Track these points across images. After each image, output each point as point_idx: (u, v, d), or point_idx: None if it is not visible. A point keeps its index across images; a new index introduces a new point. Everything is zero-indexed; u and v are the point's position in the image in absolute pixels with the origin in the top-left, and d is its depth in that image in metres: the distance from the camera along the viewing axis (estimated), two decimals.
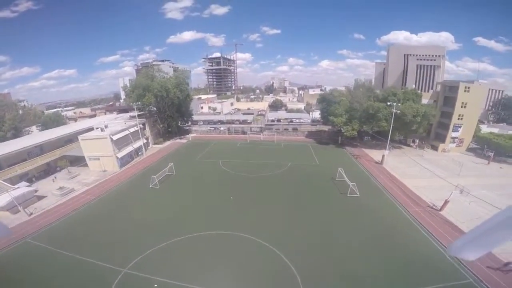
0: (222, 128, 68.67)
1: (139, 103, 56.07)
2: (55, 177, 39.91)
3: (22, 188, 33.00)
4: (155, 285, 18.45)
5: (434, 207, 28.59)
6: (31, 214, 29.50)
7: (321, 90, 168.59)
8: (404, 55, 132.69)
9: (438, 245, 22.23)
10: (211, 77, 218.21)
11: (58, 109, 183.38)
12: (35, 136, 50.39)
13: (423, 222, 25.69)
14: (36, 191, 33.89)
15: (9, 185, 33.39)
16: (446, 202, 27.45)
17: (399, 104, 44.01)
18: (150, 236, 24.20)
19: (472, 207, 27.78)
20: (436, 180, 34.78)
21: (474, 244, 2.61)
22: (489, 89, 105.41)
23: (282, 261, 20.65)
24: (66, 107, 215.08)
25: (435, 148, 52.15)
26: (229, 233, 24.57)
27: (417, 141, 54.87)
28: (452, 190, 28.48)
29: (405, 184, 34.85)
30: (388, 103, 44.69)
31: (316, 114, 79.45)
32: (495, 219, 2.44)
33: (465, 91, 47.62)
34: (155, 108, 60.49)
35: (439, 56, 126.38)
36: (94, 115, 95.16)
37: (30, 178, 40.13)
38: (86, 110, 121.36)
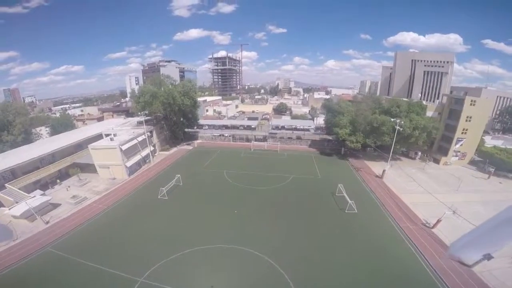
0: (226, 135, 70.13)
1: (146, 112, 57.33)
2: (69, 186, 41.86)
3: (38, 197, 35.04)
4: None
5: (427, 224, 29.88)
6: (48, 222, 31.49)
7: (326, 93, 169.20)
8: (412, 60, 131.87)
9: (424, 263, 23.90)
10: (216, 76, 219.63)
11: (65, 105, 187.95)
12: (47, 143, 51.98)
13: (414, 240, 27.19)
14: (50, 199, 35.90)
15: (25, 194, 35.51)
16: (438, 221, 28.78)
17: (402, 122, 43.80)
18: (161, 248, 26.05)
19: (465, 225, 28.70)
20: (434, 196, 35.52)
21: (474, 245, 2.59)
22: (497, 96, 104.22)
23: (281, 275, 22.50)
24: (73, 103, 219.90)
25: (437, 161, 52.53)
26: (233, 247, 26.26)
27: (420, 153, 55.41)
28: (445, 210, 29.65)
29: (402, 200, 36.00)
30: (392, 119, 44.98)
31: (321, 120, 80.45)
32: (495, 220, 2.38)
33: (471, 104, 47.28)
34: (161, 115, 61.92)
35: (448, 62, 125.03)
36: (102, 118, 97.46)
37: (46, 184, 42.43)
38: (93, 110, 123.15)
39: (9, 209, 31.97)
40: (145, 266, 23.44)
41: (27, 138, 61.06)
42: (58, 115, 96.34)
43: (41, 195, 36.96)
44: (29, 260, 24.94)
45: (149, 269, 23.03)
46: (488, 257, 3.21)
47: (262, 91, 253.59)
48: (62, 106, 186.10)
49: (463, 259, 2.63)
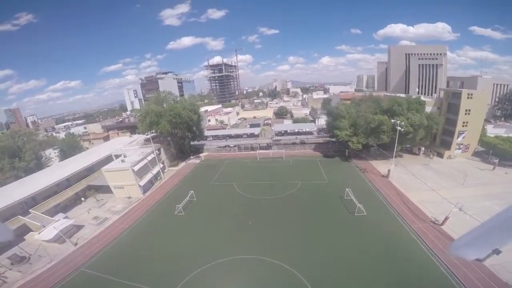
0: (232, 145, 71.70)
1: (153, 131, 58.38)
2: (90, 209, 43.64)
3: (62, 220, 36.79)
4: None
5: (436, 222, 31.05)
6: (76, 244, 33.35)
7: (324, 92, 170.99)
8: (406, 54, 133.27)
9: (436, 261, 25.12)
10: (214, 84, 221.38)
11: (67, 123, 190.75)
12: (60, 168, 53.32)
13: (425, 239, 28.34)
14: (73, 221, 37.66)
15: (50, 217, 37.35)
16: (446, 218, 29.94)
17: (402, 122, 44.33)
18: (187, 262, 27.82)
19: (473, 221, 29.69)
20: (440, 192, 36.32)
21: (475, 244, 2.61)
22: (494, 84, 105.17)
23: (299, 280, 24.14)
24: (74, 120, 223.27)
25: (440, 155, 53.18)
26: (253, 257, 27.86)
27: (423, 149, 56.37)
28: (452, 207, 30.80)
29: (409, 199, 37.20)
30: (393, 121, 45.69)
31: (322, 121, 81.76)
32: (498, 218, 2.33)
33: (468, 98, 47.95)
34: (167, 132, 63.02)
35: (441, 54, 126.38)
36: (108, 136, 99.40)
37: (65, 206, 44.64)
38: (97, 127, 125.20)
39: (39, 234, 33.84)
40: (176, 280, 25.24)
41: (39, 164, 62.86)
42: (63, 134, 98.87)
43: (64, 217, 38.74)
44: (68, 281, 26.88)
45: (180, 283, 24.80)
46: (497, 252, 3.30)
47: (261, 94, 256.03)
48: (64, 124, 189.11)
49: (464, 257, 2.72)
